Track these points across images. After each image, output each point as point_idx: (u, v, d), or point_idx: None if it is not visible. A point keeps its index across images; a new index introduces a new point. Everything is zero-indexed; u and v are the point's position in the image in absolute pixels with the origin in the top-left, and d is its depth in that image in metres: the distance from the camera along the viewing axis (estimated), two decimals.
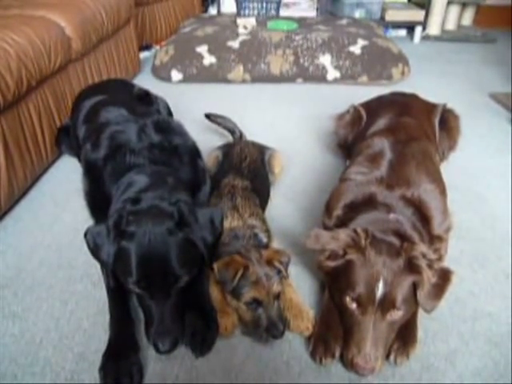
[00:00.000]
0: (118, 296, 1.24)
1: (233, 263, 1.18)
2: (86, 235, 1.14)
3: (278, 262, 1.20)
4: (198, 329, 1.17)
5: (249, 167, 1.65)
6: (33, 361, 1.15)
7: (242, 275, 1.15)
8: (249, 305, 1.15)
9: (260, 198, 1.56)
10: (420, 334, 1.18)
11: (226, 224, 1.35)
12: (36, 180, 1.90)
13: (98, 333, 1.22)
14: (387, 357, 1.12)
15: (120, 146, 1.37)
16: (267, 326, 1.13)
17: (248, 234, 1.33)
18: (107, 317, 1.21)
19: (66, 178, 1.93)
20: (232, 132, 2.02)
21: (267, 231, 1.41)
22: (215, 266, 1.20)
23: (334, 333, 1.16)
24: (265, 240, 1.37)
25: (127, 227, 1.10)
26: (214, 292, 1.27)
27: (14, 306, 1.30)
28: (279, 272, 1.20)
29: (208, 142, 1.98)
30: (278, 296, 1.18)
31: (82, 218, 1.47)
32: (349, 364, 1.09)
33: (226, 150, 1.81)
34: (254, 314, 1.16)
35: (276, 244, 1.44)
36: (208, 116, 2.12)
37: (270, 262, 1.19)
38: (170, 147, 1.42)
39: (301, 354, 1.17)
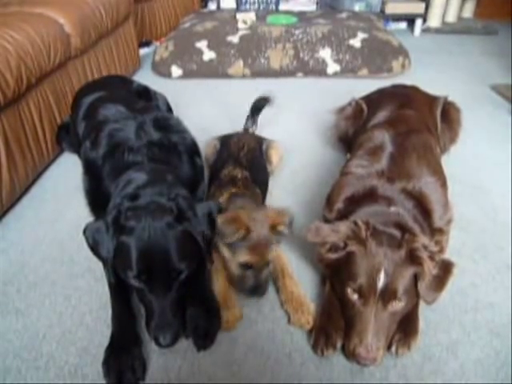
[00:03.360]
0: (119, 291, 1.25)
1: (236, 222, 1.16)
2: (84, 232, 1.14)
3: (282, 225, 1.17)
4: (200, 322, 1.17)
5: (247, 156, 1.65)
6: (36, 355, 1.16)
7: (242, 237, 1.15)
8: (240, 265, 1.16)
9: (260, 188, 1.56)
10: (421, 325, 1.18)
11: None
12: (37, 177, 1.91)
13: (100, 327, 1.23)
14: (389, 348, 1.12)
15: (119, 144, 1.37)
16: (253, 287, 1.13)
17: None
18: (109, 311, 1.22)
19: (67, 175, 1.94)
20: (247, 120, 2.00)
21: None
22: (219, 218, 1.17)
23: (335, 325, 1.16)
24: None
25: (126, 222, 1.10)
26: (217, 285, 1.28)
27: (17, 302, 1.31)
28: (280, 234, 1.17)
29: (207, 137, 1.98)
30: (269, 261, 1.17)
31: (84, 214, 1.47)
32: (350, 354, 1.09)
33: (224, 139, 1.82)
34: (243, 274, 1.16)
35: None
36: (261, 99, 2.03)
37: (273, 228, 1.17)
38: (169, 145, 1.42)
39: (302, 345, 1.18)
